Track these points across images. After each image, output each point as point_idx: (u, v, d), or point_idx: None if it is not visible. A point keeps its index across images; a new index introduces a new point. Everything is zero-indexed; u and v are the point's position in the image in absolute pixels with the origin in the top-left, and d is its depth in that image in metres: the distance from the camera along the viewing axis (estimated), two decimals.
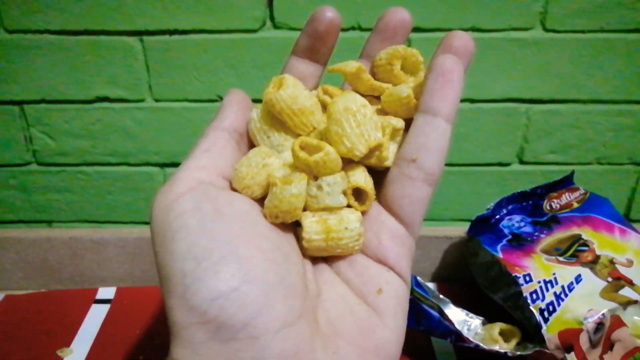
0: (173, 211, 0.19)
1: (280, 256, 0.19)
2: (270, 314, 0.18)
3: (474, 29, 0.47)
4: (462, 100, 0.50)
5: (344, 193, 0.21)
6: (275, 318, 0.18)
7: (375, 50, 0.25)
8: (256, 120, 0.23)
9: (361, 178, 0.21)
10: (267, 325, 0.17)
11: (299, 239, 0.22)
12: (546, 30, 0.47)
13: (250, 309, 0.17)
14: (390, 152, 0.22)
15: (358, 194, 0.22)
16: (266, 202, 0.21)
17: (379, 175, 0.22)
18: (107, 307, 0.48)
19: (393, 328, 0.20)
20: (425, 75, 0.21)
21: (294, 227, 0.22)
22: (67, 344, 0.44)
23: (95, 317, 0.47)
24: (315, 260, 0.22)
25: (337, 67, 0.24)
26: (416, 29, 0.46)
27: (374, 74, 0.25)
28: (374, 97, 0.25)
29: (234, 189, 0.21)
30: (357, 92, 0.24)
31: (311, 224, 0.21)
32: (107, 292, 0.50)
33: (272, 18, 0.46)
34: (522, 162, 0.52)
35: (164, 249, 0.19)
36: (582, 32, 0.47)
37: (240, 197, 0.21)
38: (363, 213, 0.22)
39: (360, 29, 0.46)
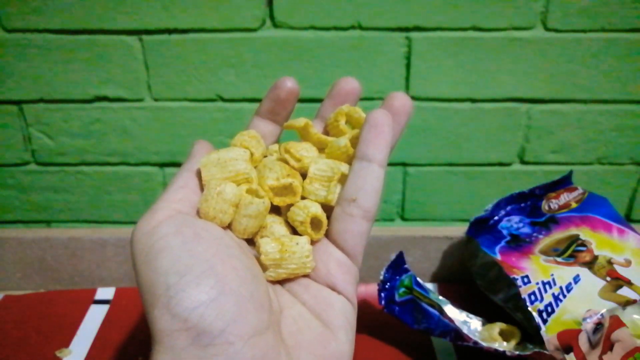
0: (156, 234, 0.22)
1: (250, 275, 0.22)
2: (243, 323, 0.20)
3: (474, 29, 0.47)
4: (463, 100, 0.50)
5: (304, 222, 0.25)
6: (247, 326, 0.20)
7: (328, 112, 0.29)
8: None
9: (318, 209, 0.25)
10: (240, 333, 0.20)
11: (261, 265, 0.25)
12: (547, 29, 0.47)
13: (227, 317, 0.20)
14: (335, 194, 0.25)
15: (313, 225, 0.25)
16: (236, 216, 0.24)
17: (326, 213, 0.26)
18: (106, 307, 0.48)
19: (345, 342, 0.23)
20: (361, 127, 0.25)
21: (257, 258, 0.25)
22: (66, 344, 0.44)
23: (94, 317, 0.47)
24: (274, 285, 0.25)
25: (289, 124, 0.28)
26: (416, 29, 0.46)
27: (327, 132, 0.29)
28: (322, 150, 0.28)
29: None
30: (307, 143, 0.28)
31: (266, 241, 0.24)
32: (106, 292, 0.50)
33: (271, 17, 0.46)
34: (523, 162, 0.52)
35: (146, 267, 0.21)
36: (584, 31, 0.47)
37: (214, 225, 0.24)
38: (315, 243, 0.25)
39: (361, 28, 0.46)
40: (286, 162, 0.27)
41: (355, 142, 0.26)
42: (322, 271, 0.24)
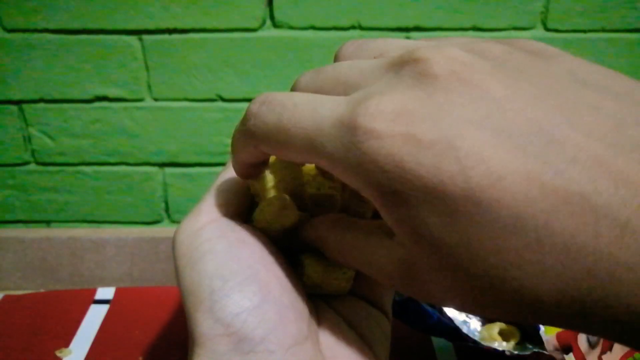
0: (200, 237, 0.22)
1: (291, 284, 0.22)
2: (284, 332, 0.20)
3: (474, 29, 0.47)
4: None
5: None
6: (288, 335, 0.20)
7: None
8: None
9: None
10: (281, 342, 0.20)
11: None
12: (547, 29, 0.47)
13: (268, 325, 0.20)
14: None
15: None
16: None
17: None
18: (106, 307, 0.48)
19: (382, 357, 0.23)
20: None
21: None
22: (66, 344, 0.44)
23: (94, 317, 0.47)
24: (311, 296, 0.25)
25: None
26: (416, 29, 0.46)
27: None
28: None
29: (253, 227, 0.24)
30: None
31: (310, 263, 0.24)
32: (106, 292, 0.50)
33: (272, 17, 0.46)
34: None
35: (190, 269, 0.21)
36: (584, 31, 0.47)
37: (258, 231, 0.24)
38: None
39: (361, 28, 0.46)
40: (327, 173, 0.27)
41: None
42: (359, 285, 0.25)
